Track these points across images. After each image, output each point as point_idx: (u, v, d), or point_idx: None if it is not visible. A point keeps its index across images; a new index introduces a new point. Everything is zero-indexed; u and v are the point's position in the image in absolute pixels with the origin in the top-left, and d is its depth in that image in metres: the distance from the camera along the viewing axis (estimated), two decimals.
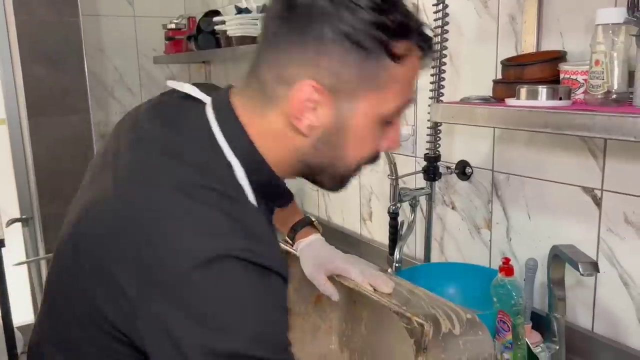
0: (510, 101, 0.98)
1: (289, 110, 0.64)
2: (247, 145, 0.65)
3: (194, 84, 0.73)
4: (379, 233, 1.72)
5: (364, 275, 0.88)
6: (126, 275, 0.58)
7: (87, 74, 2.27)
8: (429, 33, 0.67)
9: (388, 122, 0.68)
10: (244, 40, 1.86)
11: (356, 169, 0.72)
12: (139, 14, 2.61)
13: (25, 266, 2.37)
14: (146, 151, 0.65)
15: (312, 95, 0.62)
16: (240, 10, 1.91)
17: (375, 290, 0.86)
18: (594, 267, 0.92)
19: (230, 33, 1.89)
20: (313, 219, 1.03)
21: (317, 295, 1.17)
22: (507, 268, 1.02)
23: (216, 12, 2.17)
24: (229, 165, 0.64)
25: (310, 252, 0.96)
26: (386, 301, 0.80)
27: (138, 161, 0.65)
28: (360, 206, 1.79)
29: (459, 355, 0.72)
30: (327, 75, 0.62)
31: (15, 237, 2.36)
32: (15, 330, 1.94)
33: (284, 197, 0.73)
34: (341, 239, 1.82)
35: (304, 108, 0.63)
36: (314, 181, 0.73)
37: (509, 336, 1.02)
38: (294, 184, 0.73)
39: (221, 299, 0.56)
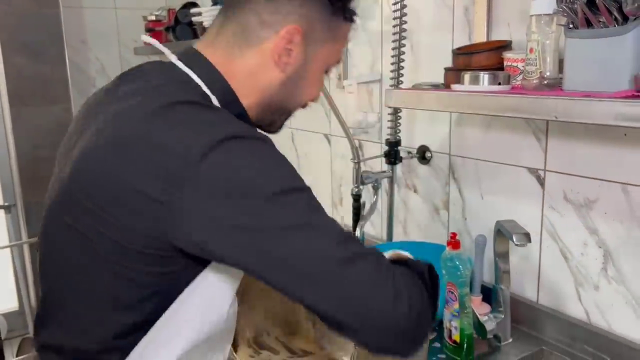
0: (455, 86, 1.05)
1: (273, 49, 0.76)
2: (221, 81, 0.76)
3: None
4: (349, 217, 1.80)
5: None
6: (149, 183, 0.63)
7: (68, 65, 2.32)
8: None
9: (326, 72, 0.84)
10: None
11: (292, 112, 0.86)
12: (120, 6, 2.65)
13: (8, 253, 2.42)
14: (130, 99, 0.70)
15: (294, 38, 0.76)
16: (216, 2, 1.97)
17: None
18: (527, 237, 1.00)
19: (206, 24, 1.95)
20: None
21: None
22: (454, 242, 1.09)
23: (194, 4, 2.22)
24: (208, 96, 0.74)
25: None
26: None
27: (126, 105, 0.70)
28: (331, 192, 1.87)
29: None
30: (305, 23, 0.76)
31: None
32: None
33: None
34: None
35: (284, 48, 0.76)
36: (265, 124, 0.85)
37: (456, 305, 1.10)
38: None
39: (245, 166, 0.64)
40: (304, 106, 0.87)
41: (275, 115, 0.84)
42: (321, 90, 0.86)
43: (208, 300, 0.71)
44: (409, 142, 1.47)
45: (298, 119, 2.00)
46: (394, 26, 1.33)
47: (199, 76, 0.75)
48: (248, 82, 0.78)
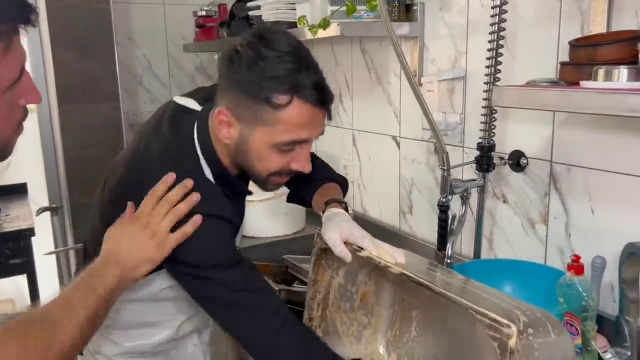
0: (586, 84, 0.89)
1: (214, 125, 0.96)
2: (210, 148, 0.99)
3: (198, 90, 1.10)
4: (421, 227, 1.64)
5: (374, 245, 0.96)
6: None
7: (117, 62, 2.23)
8: (323, 90, 0.91)
9: (287, 150, 0.93)
10: (280, 25, 1.79)
11: (268, 177, 0.98)
12: (169, 2, 2.55)
13: (54, 256, 2.34)
14: (151, 152, 0.99)
15: (222, 117, 0.93)
16: None
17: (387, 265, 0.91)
18: None
19: (265, 18, 1.82)
20: (347, 203, 1.10)
21: (363, 292, 1.10)
22: (577, 267, 0.94)
23: None
24: (195, 155, 0.98)
25: (333, 219, 1.02)
26: (463, 300, 0.73)
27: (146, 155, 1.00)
28: (399, 199, 1.72)
29: (543, 358, 0.65)
30: (233, 108, 0.92)
31: (45, 226, 2.33)
32: None
33: (236, 187, 1.02)
34: (378, 233, 1.74)
35: (220, 125, 0.94)
36: (255, 181, 1.03)
37: (578, 340, 0.94)
38: None
39: None
40: (285, 176, 0.99)
41: (251, 175, 1.00)
42: (300, 167, 0.96)
43: None
44: (501, 146, 1.31)
45: (361, 120, 1.86)
46: (492, 16, 1.17)
47: (199, 142, 0.98)
48: (221, 149, 0.98)
